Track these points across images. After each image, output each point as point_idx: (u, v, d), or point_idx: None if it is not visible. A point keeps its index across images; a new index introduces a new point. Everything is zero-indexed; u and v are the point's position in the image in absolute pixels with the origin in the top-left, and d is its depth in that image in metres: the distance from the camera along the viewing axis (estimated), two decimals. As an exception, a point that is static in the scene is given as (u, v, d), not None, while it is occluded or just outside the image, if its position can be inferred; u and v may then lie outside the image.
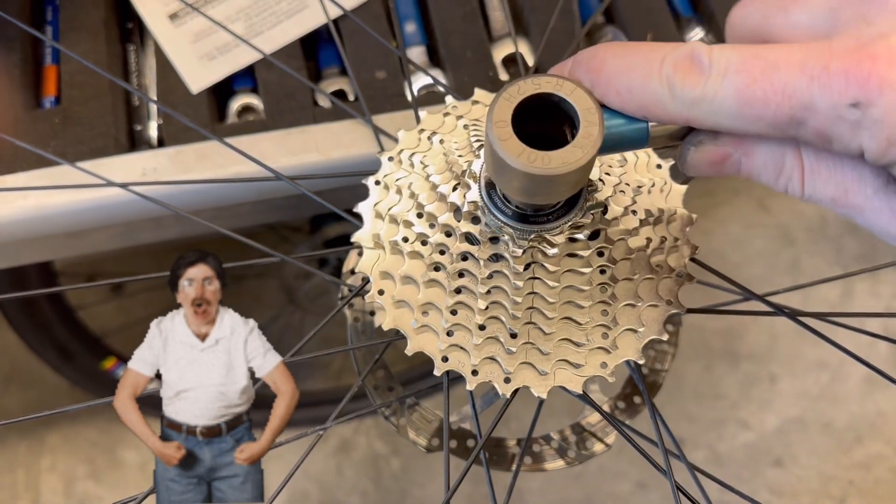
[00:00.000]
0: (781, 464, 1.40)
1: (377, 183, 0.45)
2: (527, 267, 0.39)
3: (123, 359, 1.13)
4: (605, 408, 0.57)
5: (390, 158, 0.45)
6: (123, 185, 0.52)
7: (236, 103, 0.64)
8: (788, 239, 1.53)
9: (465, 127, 0.44)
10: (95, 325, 1.12)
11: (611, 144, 0.33)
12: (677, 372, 1.45)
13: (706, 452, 1.39)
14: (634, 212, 0.41)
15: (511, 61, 0.66)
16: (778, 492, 1.38)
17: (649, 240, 0.42)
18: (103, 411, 1.20)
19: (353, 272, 0.57)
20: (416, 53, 0.66)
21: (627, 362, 0.42)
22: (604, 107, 0.32)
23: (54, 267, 1.02)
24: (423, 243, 0.41)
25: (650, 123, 0.33)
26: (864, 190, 0.30)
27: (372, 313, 0.56)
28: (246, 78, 0.65)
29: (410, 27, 0.67)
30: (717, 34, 0.66)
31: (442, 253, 0.41)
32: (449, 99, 0.46)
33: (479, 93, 0.46)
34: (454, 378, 0.44)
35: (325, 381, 1.34)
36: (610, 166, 0.41)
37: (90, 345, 1.11)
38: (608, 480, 1.35)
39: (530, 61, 0.65)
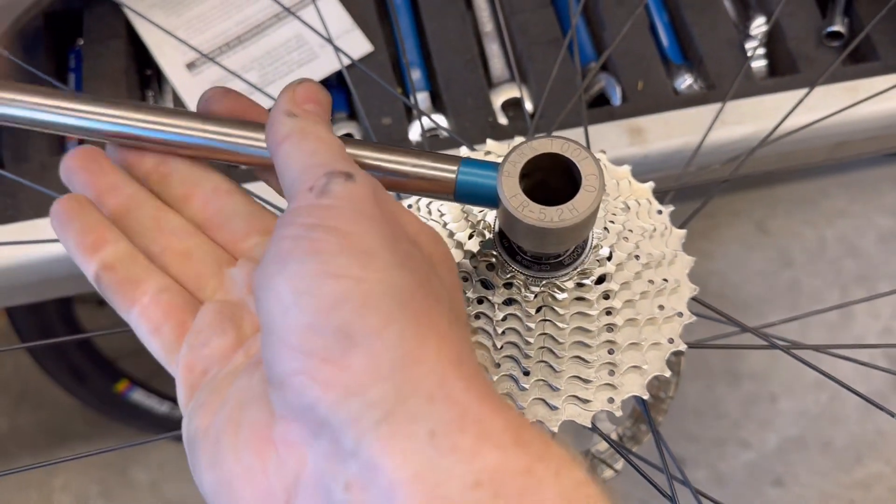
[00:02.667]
0: (782, 483, 1.42)
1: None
2: (538, 310, 0.42)
3: (136, 382, 1.16)
4: (613, 435, 0.59)
5: (409, 206, 0.48)
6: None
7: (250, 148, 0.68)
8: (787, 260, 1.55)
9: None
10: (109, 349, 1.15)
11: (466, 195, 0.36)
12: (679, 392, 1.47)
13: (707, 472, 1.41)
14: (637, 256, 0.44)
15: (509, 105, 0.70)
16: (778, 511, 1.40)
17: (651, 282, 0.44)
18: (115, 432, 1.22)
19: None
20: (421, 99, 0.69)
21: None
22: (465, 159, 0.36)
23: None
24: None
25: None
26: None
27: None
28: (259, 124, 0.68)
29: (415, 74, 0.70)
30: (705, 80, 0.69)
31: None
32: (464, 150, 0.49)
33: (490, 143, 0.49)
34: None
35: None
36: (614, 214, 0.44)
37: (103, 367, 1.13)
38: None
39: (528, 106, 0.68)
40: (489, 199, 0.36)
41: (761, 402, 1.45)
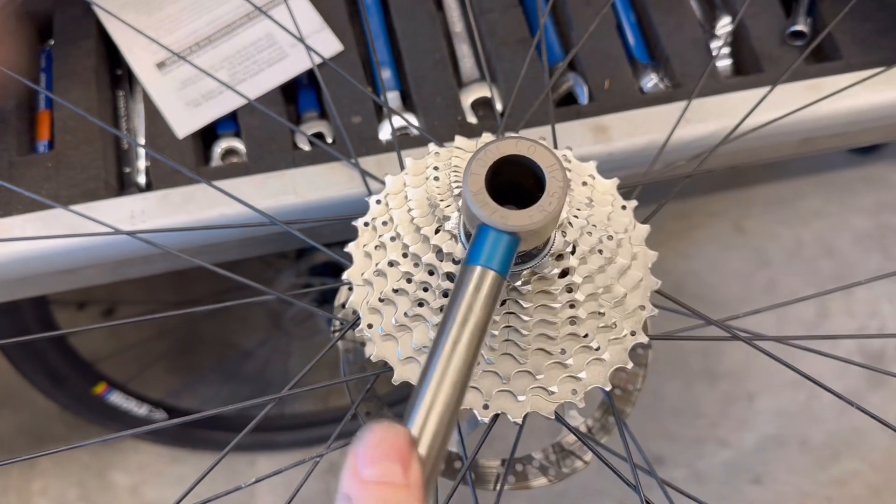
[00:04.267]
0: (760, 481, 1.43)
1: (366, 224, 0.48)
2: (502, 303, 0.43)
3: (115, 384, 1.16)
4: (583, 427, 0.60)
5: (378, 202, 0.49)
6: (131, 233, 0.56)
7: (220, 147, 0.68)
8: (764, 260, 1.56)
9: (444, 175, 0.47)
10: (87, 350, 1.14)
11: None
12: (657, 391, 1.48)
13: (686, 471, 1.42)
14: (601, 251, 0.45)
15: (479, 104, 0.70)
16: (757, 509, 1.41)
17: (613, 277, 0.45)
18: (94, 434, 1.22)
19: (343, 306, 0.60)
20: (391, 98, 0.70)
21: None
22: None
23: (46, 295, 1.05)
24: (408, 281, 0.45)
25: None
26: None
27: (363, 344, 0.60)
28: (229, 123, 0.68)
29: (385, 73, 0.71)
30: (671, 79, 0.70)
31: (425, 290, 0.44)
32: (432, 146, 0.50)
33: (459, 140, 0.50)
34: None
35: (314, 404, 1.37)
36: (578, 209, 0.45)
37: (82, 370, 1.13)
38: (589, 497, 1.37)
39: (498, 105, 0.69)
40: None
41: (739, 400, 1.46)
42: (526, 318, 0.43)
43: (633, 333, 0.46)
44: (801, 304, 1.46)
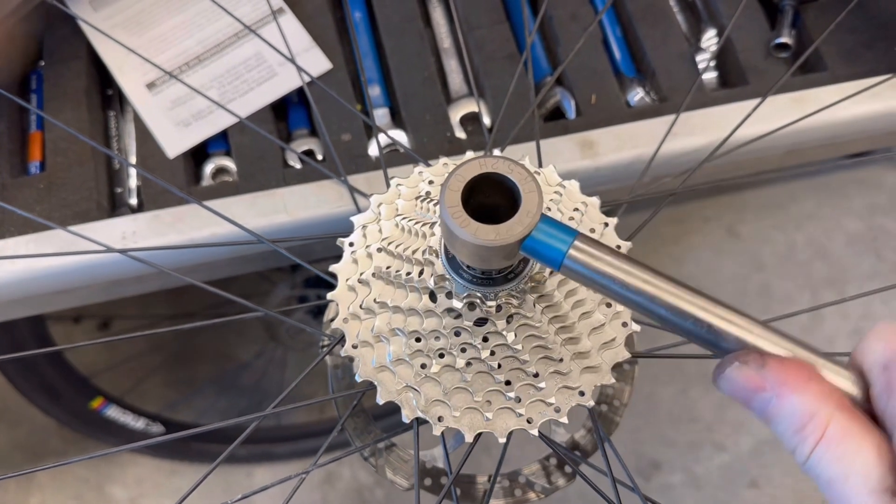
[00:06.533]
0: (757, 484, 1.44)
1: (351, 245, 0.48)
2: (480, 323, 0.43)
3: (111, 398, 1.16)
4: (572, 443, 0.60)
5: (364, 227, 0.48)
6: (123, 251, 0.56)
7: (211, 166, 0.68)
8: (758, 264, 1.57)
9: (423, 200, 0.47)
10: (83, 365, 1.14)
11: (529, 249, 0.36)
12: (652, 396, 1.48)
13: (683, 475, 1.42)
14: None
15: (468, 120, 0.71)
16: (753, 513, 1.42)
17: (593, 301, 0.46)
18: (91, 449, 1.22)
19: (332, 321, 0.60)
20: (380, 115, 0.70)
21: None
22: (545, 218, 0.36)
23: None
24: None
25: (567, 255, 0.36)
26: (865, 487, 0.29)
27: (351, 360, 0.60)
28: (220, 142, 0.69)
29: (374, 91, 0.71)
30: (657, 92, 0.71)
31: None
32: (420, 167, 0.50)
33: (444, 159, 0.50)
34: (423, 421, 0.47)
35: (308, 415, 1.37)
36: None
37: (78, 384, 1.13)
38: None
39: (486, 120, 0.70)
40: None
41: (735, 405, 1.45)
42: (511, 337, 0.44)
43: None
44: (796, 308, 1.47)
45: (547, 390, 0.44)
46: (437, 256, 0.43)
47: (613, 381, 0.46)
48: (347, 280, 0.47)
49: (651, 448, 1.45)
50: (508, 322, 0.43)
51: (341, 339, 0.49)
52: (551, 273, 0.44)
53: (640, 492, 0.50)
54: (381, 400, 0.46)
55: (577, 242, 0.35)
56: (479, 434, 0.46)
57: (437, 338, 0.44)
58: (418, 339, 0.44)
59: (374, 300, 0.46)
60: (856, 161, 1.61)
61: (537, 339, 0.44)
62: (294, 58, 0.66)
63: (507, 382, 0.44)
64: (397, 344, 0.45)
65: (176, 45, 0.70)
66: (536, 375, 0.44)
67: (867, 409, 0.32)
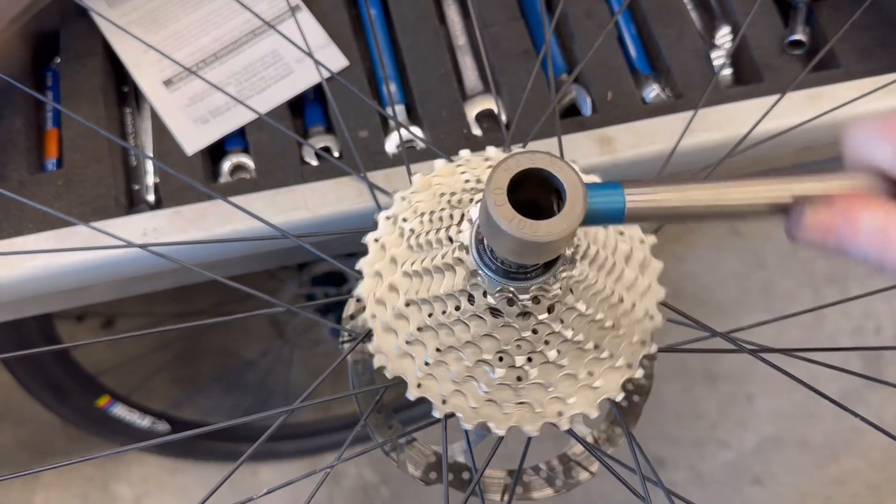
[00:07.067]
0: (761, 482, 1.44)
1: (376, 241, 0.48)
2: (496, 315, 0.44)
3: (118, 397, 1.16)
4: (589, 438, 0.61)
5: (387, 218, 0.49)
6: (143, 246, 0.56)
7: (229, 163, 0.69)
8: (760, 262, 1.58)
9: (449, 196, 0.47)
10: (89, 363, 1.15)
11: (590, 219, 0.37)
12: (657, 394, 1.48)
13: (687, 473, 1.43)
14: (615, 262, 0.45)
15: (484, 117, 0.71)
16: (758, 510, 1.42)
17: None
18: (97, 447, 1.22)
19: (352, 317, 0.61)
20: (397, 112, 0.71)
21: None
22: (587, 184, 0.37)
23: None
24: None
25: (627, 203, 0.37)
26: None
27: (371, 356, 0.60)
28: (238, 139, 0.69)
29: (391, 88, 0.71)
30: (673, 89, 0.71)
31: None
32: (441, 161, 0.50)
33: (464, 153, 0.51)
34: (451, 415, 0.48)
35: (316, 413, 1.37)
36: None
37: (84, 383, 1.13)
38: None
39: (502, 117, 0.70)
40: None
41: (739, 402, 1.47)
42: (526, 333, 0.44)
43: (642, 343, 0.47)
44: (799, 306, 1.48)
45: (613, 359, 0.46)
46: (466, 252, 0.43)
47: (656, 349, 0.46)
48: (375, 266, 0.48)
49: (655, 445, 1.45)
50: (550, 311, 0.43)
51: (367, 335, 0.49)
52: (581, 257, 0.44)
53: (664, 486, 0.50)
54: (437, 414, 0.46)
55: (626, 191, 0.37)
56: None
57: (490, 341, 0.44)
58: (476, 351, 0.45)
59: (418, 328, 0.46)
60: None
61: (583, 318, 0.44)
62: (312, 54, 0.67)
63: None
64: (457, 365, 0.45)
65: (192, 42, 0.70)
66: (597, 347, 0.45)
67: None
